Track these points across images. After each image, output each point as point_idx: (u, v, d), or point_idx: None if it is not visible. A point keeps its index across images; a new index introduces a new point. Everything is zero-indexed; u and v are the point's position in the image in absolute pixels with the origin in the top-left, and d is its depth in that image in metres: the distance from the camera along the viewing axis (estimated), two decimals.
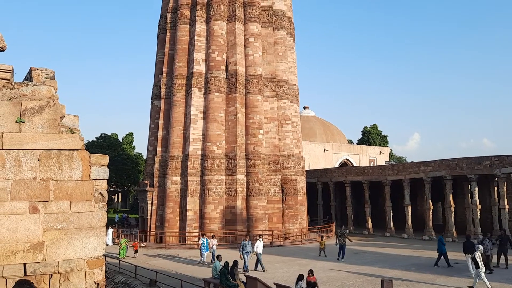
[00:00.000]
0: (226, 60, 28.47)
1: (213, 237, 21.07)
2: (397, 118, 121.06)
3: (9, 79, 6.73)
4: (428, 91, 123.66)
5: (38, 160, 6.12)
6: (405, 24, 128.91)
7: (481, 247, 14.16)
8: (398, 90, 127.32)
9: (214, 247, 20.00)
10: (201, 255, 19.67)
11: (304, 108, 51.19)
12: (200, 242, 20.17)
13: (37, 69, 9.48)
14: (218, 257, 15.16)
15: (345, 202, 33.69)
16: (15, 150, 6.01)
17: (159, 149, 28.92)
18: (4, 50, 6.79)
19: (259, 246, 18.01)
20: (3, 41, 6.91)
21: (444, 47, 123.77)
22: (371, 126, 60.32)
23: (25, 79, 10.78)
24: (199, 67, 28.26)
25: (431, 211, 27.86)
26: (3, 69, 6.47)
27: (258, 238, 19.33)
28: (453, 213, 27.00)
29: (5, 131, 6.01)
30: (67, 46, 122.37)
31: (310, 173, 36.15)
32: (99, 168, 6.61)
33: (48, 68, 9.66)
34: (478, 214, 25.46)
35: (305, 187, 30.39)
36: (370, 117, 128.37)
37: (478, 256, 13.50)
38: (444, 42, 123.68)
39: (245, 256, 17.64)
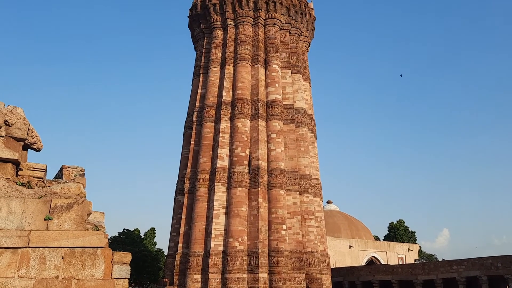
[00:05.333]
0: (249, 156, 29.07)
1: None
2: (424, 213, 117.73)
3: (41, 178, 7.02)
4: (456, 185, 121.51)
5: (62, 258, 6.13)
6: (424, 115, 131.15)
7: None
8: (424, 184, 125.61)
9: None
10: None
11: (328, 202, 50.60)
12: None
13: (68, 167, 9.90)
14: None
15: None
16: (40, 248, 6.06)
17: (180, 245, 28.51)
18: (40, 150, 7.19)
19: None
20: (40, 141, 7.33)
21: (473, 139, 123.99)
22: (397, 221, 58.78)
23: (56, 176, 11.21)
24: (223, 162, 28.85)
25: None
26: (37, 168, 6.80)
27: None
28: None
29: (33, 228, 6.12)
30: (94, 142, 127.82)
31: (335, 271, 34.59)
32: (121, 267, 6.54)
33: (79, 166, 10.09)
34: None
35: (331, 286, 28.90)
36: (396, 212, 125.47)
37: None
38: (474, 133, 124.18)
39: None
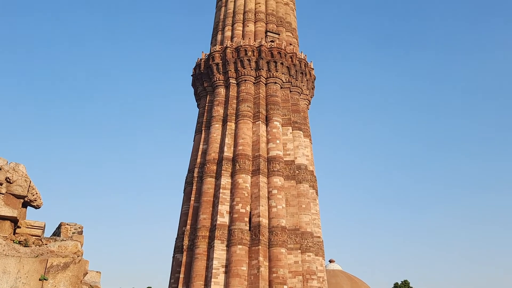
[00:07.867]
0: (250, 212, 28.74)
1: None
2: (428, 272, 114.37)
3: (39, 236, 6.91)
4: (462, 245, 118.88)
5: None
6: (425, 172, 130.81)
7: None
8: (427, 242, 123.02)
9: None
10: None
11: (330, 261, 49.25)
12: None
13: (67, 224, 9.77)
14: None
15: None
16: None
17: None
18: (39, 207, 7.13)
19: None
20: (40, 199, 7.28)
21: (477, 198, 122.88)
22: (402, 282, 57.05)
23: (54, 233, 11.03)
24: (223, 219, 28.48)
25: None
26: (35, 226, 6.71)
27: None
28: None
29: None
30: (92, 198, 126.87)
31: None
32: None
33: (77, 223, 9.96)
34: None
35: None
36: (400, 272, 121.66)
37: None
38: (478, 192, 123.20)
39: None
